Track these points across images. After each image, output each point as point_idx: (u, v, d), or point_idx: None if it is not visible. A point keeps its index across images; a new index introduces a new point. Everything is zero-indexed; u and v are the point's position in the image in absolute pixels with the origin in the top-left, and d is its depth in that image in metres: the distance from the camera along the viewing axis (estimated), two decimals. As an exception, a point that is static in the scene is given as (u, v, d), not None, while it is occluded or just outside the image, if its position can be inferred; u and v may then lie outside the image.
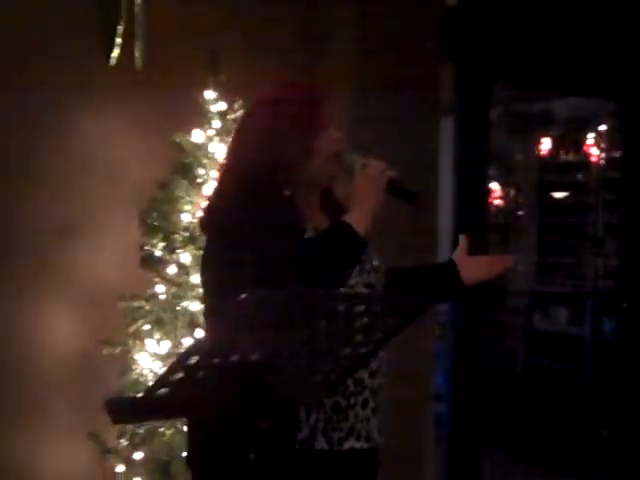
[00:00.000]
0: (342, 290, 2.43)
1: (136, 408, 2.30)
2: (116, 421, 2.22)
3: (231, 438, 2.32)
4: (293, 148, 2.49)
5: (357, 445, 2.50)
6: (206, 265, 2.56)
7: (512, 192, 8.93)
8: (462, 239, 2.79)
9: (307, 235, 2.48)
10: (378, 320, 2.22)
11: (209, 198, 2.74)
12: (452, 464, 5.29)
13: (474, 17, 5.26)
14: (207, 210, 2.65)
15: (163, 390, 2.24)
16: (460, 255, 2.75)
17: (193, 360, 2.23)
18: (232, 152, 2.66)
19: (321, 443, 2.45)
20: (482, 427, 5.42)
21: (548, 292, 8.52)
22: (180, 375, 2.24)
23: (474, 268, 2.73)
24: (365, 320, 2.19)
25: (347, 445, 2.48)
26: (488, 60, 5.38)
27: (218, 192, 2.62)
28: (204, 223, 2.63)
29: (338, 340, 2.24)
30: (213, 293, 2.50)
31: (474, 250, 2.79)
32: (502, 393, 7.39)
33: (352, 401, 2.50)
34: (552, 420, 7.17)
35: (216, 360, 2.21)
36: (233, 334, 2.20)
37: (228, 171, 2.62)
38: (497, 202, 8.78)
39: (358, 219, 2.44)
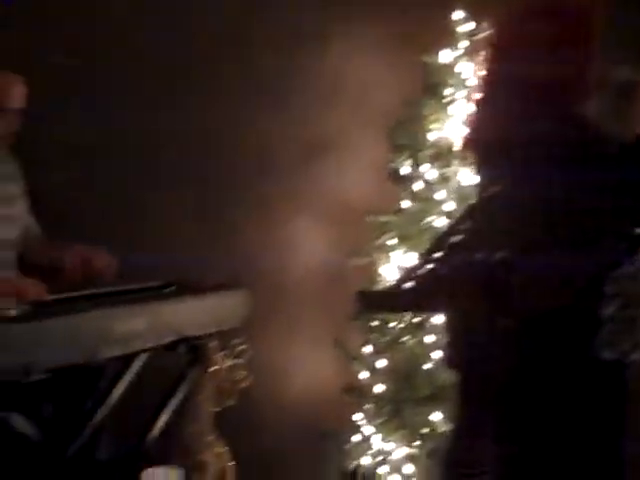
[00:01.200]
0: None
1: (383, 299, 2.44)
2: (365, 310, 2.37)
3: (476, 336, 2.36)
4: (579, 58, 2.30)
5: None
6: None
7: None
8: None
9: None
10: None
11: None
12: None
13: None
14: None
15: (409, 283, 2.36)
16: None
17: (438, 255, 2.32)
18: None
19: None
20: None
21: None
22: (425, 270, 2.35)
23: None
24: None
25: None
26: None
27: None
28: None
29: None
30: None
31: None
32: None
33: None
34: None
35: (457, 259, 2.29)
36: (481, 231, 2.27)
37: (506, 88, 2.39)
38: None
39: None
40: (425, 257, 2.40)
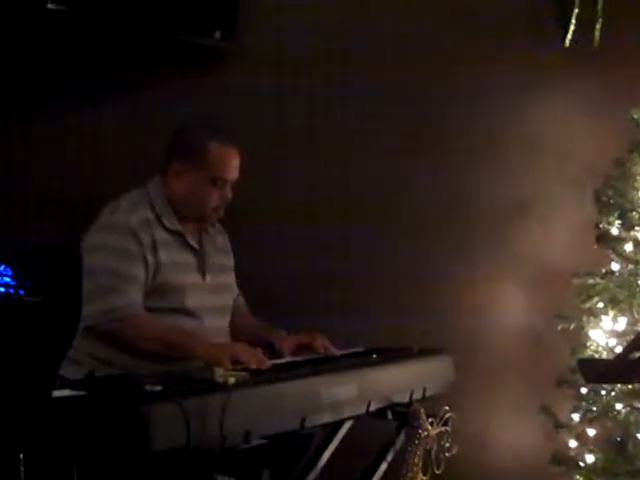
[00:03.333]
0: None
1: (607, 369, 2.33)
2: (588, 380, 2.26)
3: None
4: None
5: None
6: None
7: None
8: None
9: None
10: None
11: None
12: None
13: None
14: None
15: (636, 354, 2.25)
16: None
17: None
18: None
19: None
20: None
21: None
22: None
23: None
24: None
25: None
26: None
27: None
28: None
29: None
30: None
31: None
32: None
33: None
34: None
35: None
36: None
37: None
38: None
39: None
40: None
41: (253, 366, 2.65)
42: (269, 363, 2.77)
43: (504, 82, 4.24)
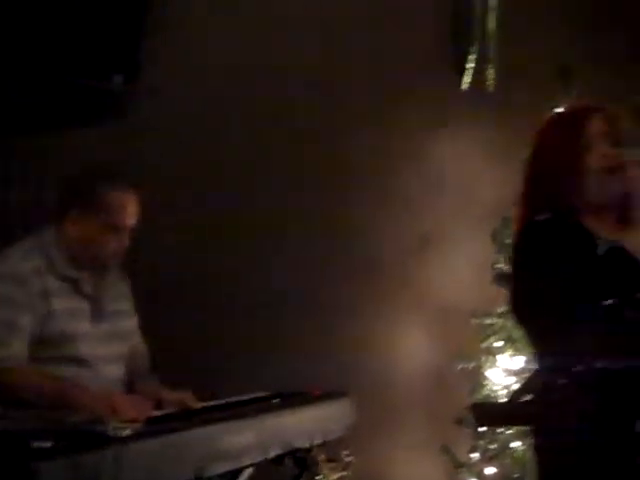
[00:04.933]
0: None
1: (500, 413, 2.36)
2: (481, 424, 2.29)
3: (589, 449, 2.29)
4: (557, 175, 2.46)
5: None
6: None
7: None
8: None
9: (600, 249, 2.38)
10: None
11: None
12: None
13: None
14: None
15: (526, 397, 2.28)
16: None
17: (551, 369, 2.25)
18: (521, 187, 2.62)
19: None
20: None
21: None
22: (540, 383, 2.27)
23: None
24: None
25: None
26: None
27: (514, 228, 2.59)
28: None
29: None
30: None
31: None
32: None
33: None
34: None
35: (578, 369, 2.21)
36: (595, 343, 2.20)
37: (520, 206, 2.59)
38: None
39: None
40: (542, 369, 2.33)
41: (133, 416, 2.61)
42: (153, 413, 2.74)
43: (408, 119, 4.30)
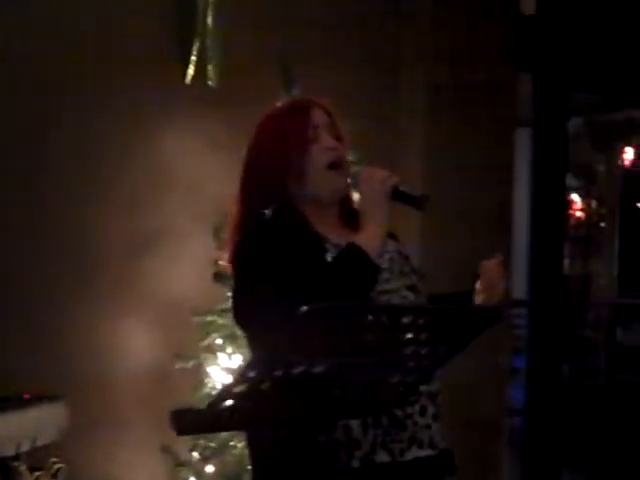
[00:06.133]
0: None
1: (200, 420, 2.31)
2: (180, 432, 2.24)
3: (290, 453, 2.31)
4: (282, 167, 2.44)
5: (421, 454, 2.43)
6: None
7: (594, 204, 8.75)
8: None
9: (329, 254, 2.38)
10: (439, 336, 2.19)
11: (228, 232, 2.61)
12: (528, 480, 5.20)
13: (551, 25, 5.19)
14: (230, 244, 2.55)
15: (227, 402, 2.25)
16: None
17: (255, 373, 2.23)
18: (239, 182, 2.60)
19: (382, 456, 2.40)
20: (561, 445, 5.31)
21: (630, 304, 8.33)
22: (243, 387, 2.25)
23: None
24: (426, 335, 2.17)
25: (410, 455, 2.42)
26: (566, 68, 5.30)
27: (233, 224, 2.55)
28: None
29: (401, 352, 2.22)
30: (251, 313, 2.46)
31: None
32: (584, 410, 7.22)
33: (409, 410, 2.43)
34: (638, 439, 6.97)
35: (278, 373, 2.21)
36: (295, 346, 2.20)
37: (239, 202, 2.57)
38: (578, 214, 8.62)
39: (370, 235, 2.35)
40: (243, 374, 2.30)
41: None
42: None
43: (131, 112, 4.20)
